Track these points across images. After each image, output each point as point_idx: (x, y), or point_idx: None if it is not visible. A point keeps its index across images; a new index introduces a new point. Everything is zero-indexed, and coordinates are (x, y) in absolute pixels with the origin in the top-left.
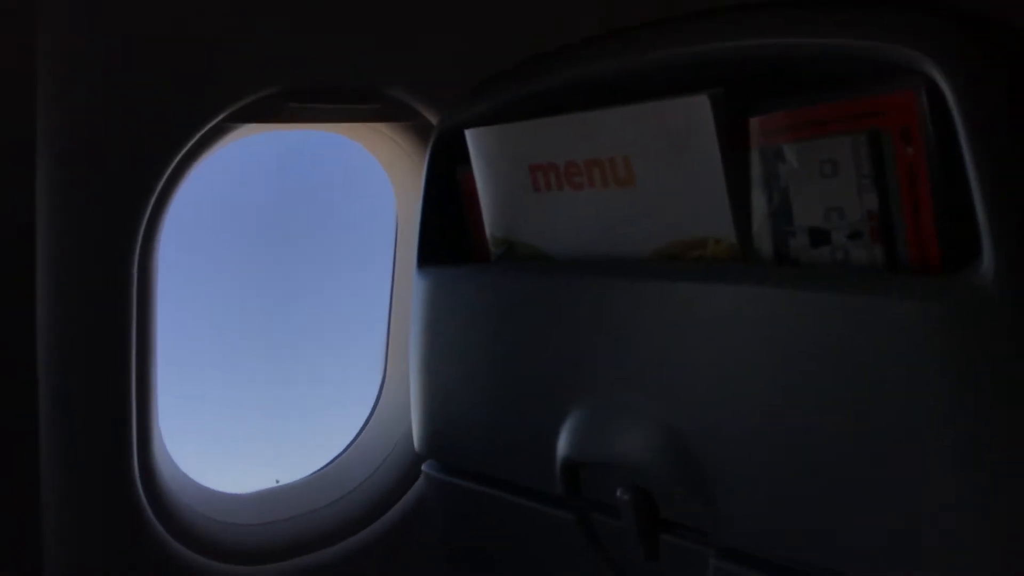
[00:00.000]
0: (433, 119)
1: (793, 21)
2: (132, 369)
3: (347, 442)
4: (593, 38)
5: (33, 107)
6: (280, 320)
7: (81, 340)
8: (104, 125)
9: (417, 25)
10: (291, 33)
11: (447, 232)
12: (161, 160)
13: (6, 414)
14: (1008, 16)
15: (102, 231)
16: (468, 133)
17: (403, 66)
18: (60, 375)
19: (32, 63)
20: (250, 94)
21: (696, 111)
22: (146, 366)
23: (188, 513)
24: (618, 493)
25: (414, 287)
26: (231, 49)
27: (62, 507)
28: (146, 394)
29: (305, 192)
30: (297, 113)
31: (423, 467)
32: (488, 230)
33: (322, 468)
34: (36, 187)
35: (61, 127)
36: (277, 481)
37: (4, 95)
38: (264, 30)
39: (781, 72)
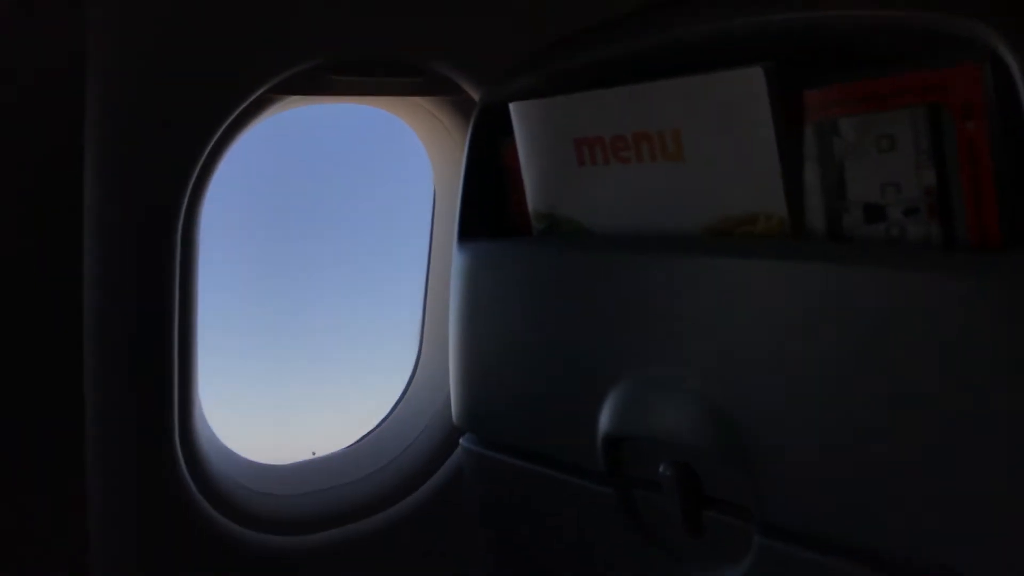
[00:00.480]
0: (475, 94)
1: None
2: (175, 342)
3: (384, 414)
4: (639, 8)
5: (82, 83)
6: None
7: (125, 312)
8: (150, 97)
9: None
10: (335, 5)
11: (487, 207)
12: (205, 131)
13: (51, 386)
14: None
15: (147, 203)
16: (512, 107)
17: (446, 40)
18: (104, 347)
19: (82, 38)
20: (293, 66)
21: (750, 84)
22: (188, 339)
23: (228, 483)
24: (661, 469)
25: (454, 261)
26: (274, 21)
27: (105, 478)
28: (188, 367)
29: (345, 166)
30: (340, 86)
31: (461, 440)
32: (531, 205)
33: (359, 440)
34: (84, 159)
35: (108, 100)
36: (313, 453)
37: (54, 73)
38: (308, 2)
39: (837, 45)
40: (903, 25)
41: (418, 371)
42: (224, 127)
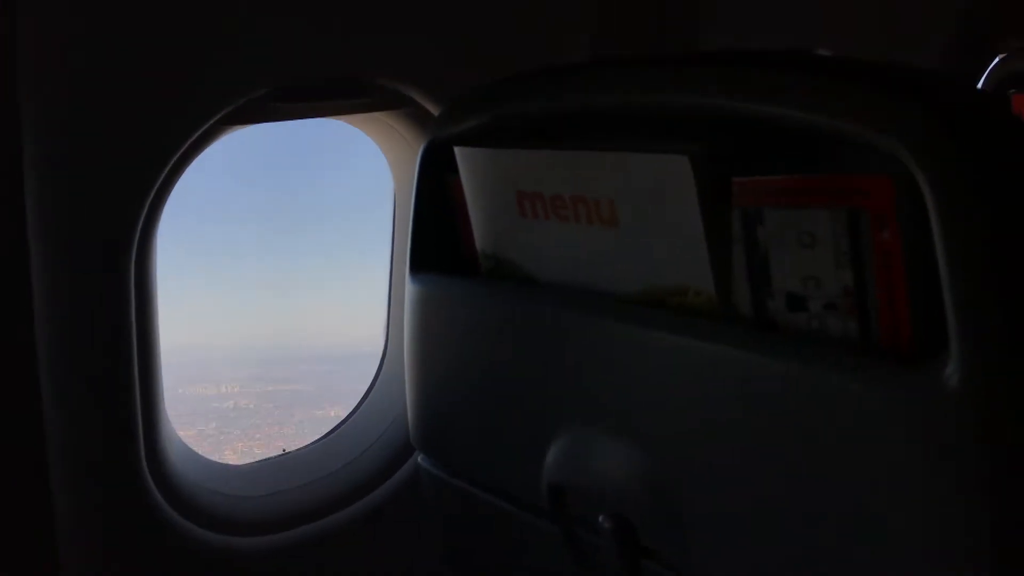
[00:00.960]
0: (428, 106)
1: (776, 88)
2: (134, 358)
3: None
4: (582, 66)
5: (17, 117)
6: None
7: (82, 334)
8: (93, 135)
9: (405, 14)
10: (278, 32)
11: (439, 237)
12: (153, 166)
13: (10, 399)
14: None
15: (97, 235)
16: (457, 152)
17: (395, 56)
18: (62, 366)
19: (13, 73)
20: (240, 97)
21: (676, 169)
22: (149, 354)
23: (191, 486)
24: (600, 519)
25: (407, 291)
26: (217, 53)
27: (68, 489)
28: (150, 377)
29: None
30: (289, 111)
31: (419, 459)
32: (478, 244)
33: (318, 440)
34: (26, 196)
35: (50, 138)
36: (284, 451)
37: None
38: (250, 31)
39: (770, 132)
40: (821, 129)
41: (381, 375)
42: (172, 161)
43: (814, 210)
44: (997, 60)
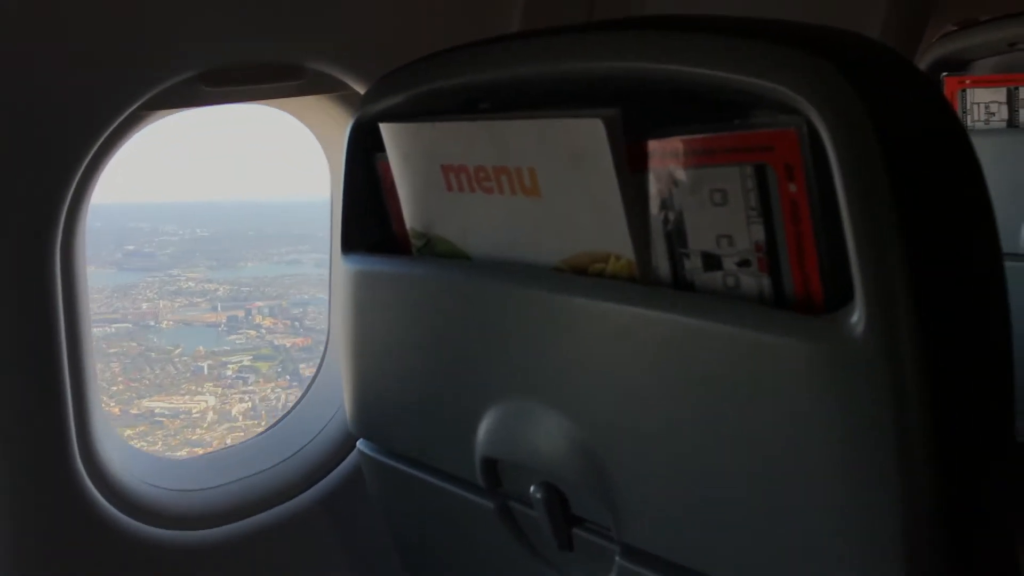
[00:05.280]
0: (360, 88)
1: (679, 48)
2: (63, 352)
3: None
4: (503, 38)
5: None
6: None
7: (5, 328)
8: (12, 120)
9: None
10: (203, 13)
11: (371, 217)
12: (75, 153)
13: None
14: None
15: (17, 226)
16: (383, 128)
17: (324, 39)
18: None
19: None
20: (164, 81)
21: (590, 132)
22: (78, 347)
23: (129, 481)
24: (531, 490)
25: (340, 272)
26: (142, 34)
27: None
28: (80, 369)
29: None
30: (217, 96)
31: (358, 444)
32: (407, 222)
33: (262, 433)
34: None
35: None
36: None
37: None
38: (172, 12)
39: (681, 92)
40: (724, 86)
41: (324, 365)
42: (95, 148)
43: (724, 168)
44: (933, 42)
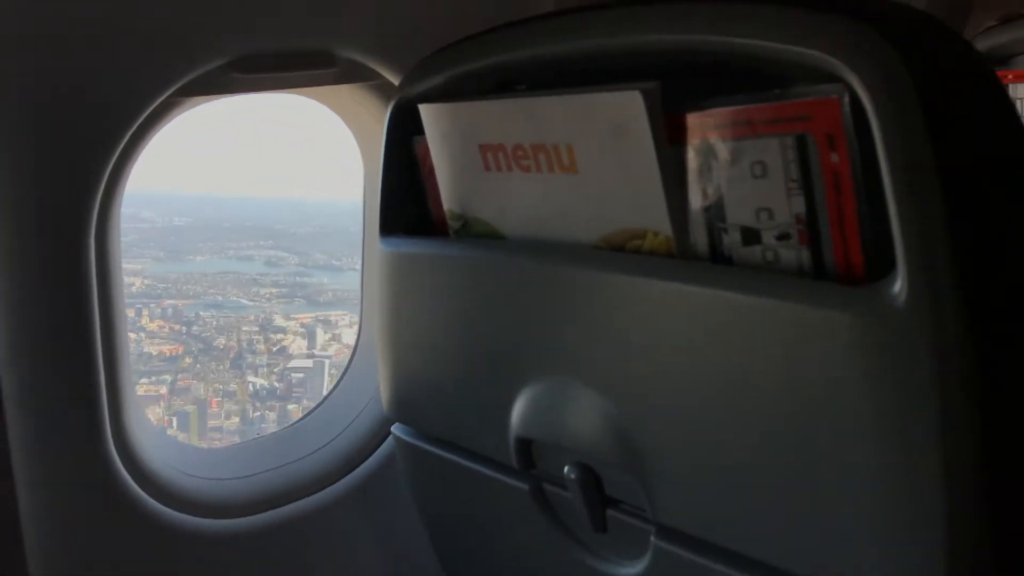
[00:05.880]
0: (394, 79)
1: (717, 18)
2: (97, 341)
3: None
4: (540, 17)
5: None
6: None
7: (42, 317)
8: (47, 110)
9: None
10: (236, 1)
11: (409, 201)
12: (109, 141)
13: None
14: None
15: (52, 215)
16: (422, 109)
17: (358, 26)
18: (20, 349)
19: None
20: (197, 68)
21: (629, 105)
22: (112, 332)
23: (164, 470)
24: (566, 470)
25: (378, 256)
26: (172, 22)
27: (33, 477)
28: (114, 358)
29: None
30: (250, 83)
31: (392, 428)
32: (445, 204)
33: (297, 422)
34: None
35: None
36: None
37: None
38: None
39: (720, 66)
40: (766, 56)
41: (357, 353)
42: (128, 135)
43: (764, 139)
44: (975, 36)
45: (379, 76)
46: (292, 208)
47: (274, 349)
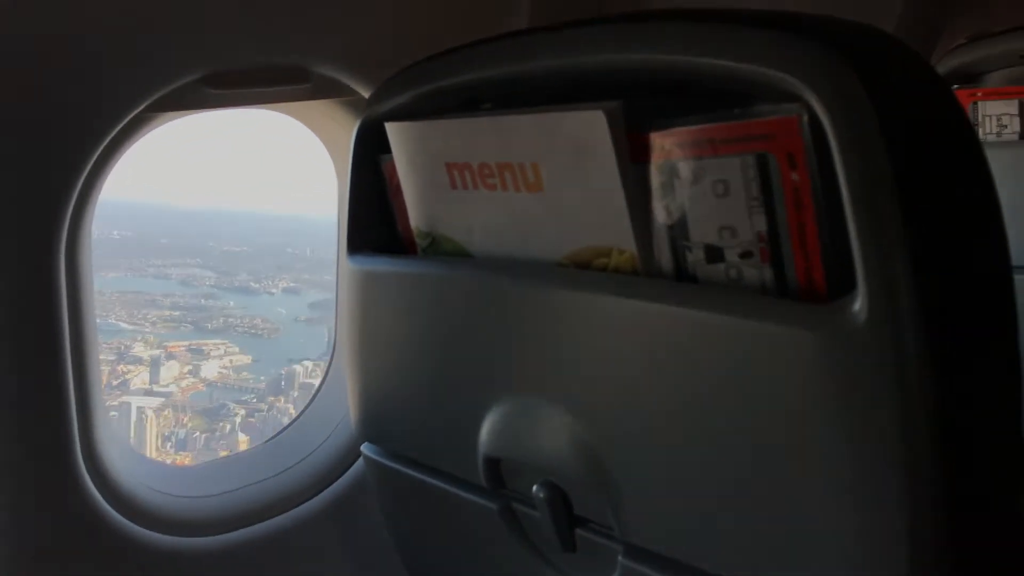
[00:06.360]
0: (365, 92)
1: (680, 38)
2: (67, 357)
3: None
4: (505, 35)
5: None
6: None
7: (11, 331)
8: (17, 122)
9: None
10: (207, 14)
11: (378, 219)
12: (80, 155)
13: None
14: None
15: (23, 228)
16: (388, 127)
17: (332, 42)
18: None
19: None
20: (170, 83)
21: (593, 124)
22: (82, 349)
23: (135, 487)
24: (534, 489)
25: (346, 273)
26: (145, 36)
27: (2, 495)
28: (84, 374)
29: None
30: (224, 99)
31: (362, 448)
32: (413, 222)
33: (270, 440)
34: None
35: None
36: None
37: None
38: (177, 13)
39: (685, 85)
40: (725, 75)
41: (330, 371)
42: (99, 151)
43: (726, 158)
44: (944, 54)
45: (353, 92)
46: (248, 222)
47: (115, 383)
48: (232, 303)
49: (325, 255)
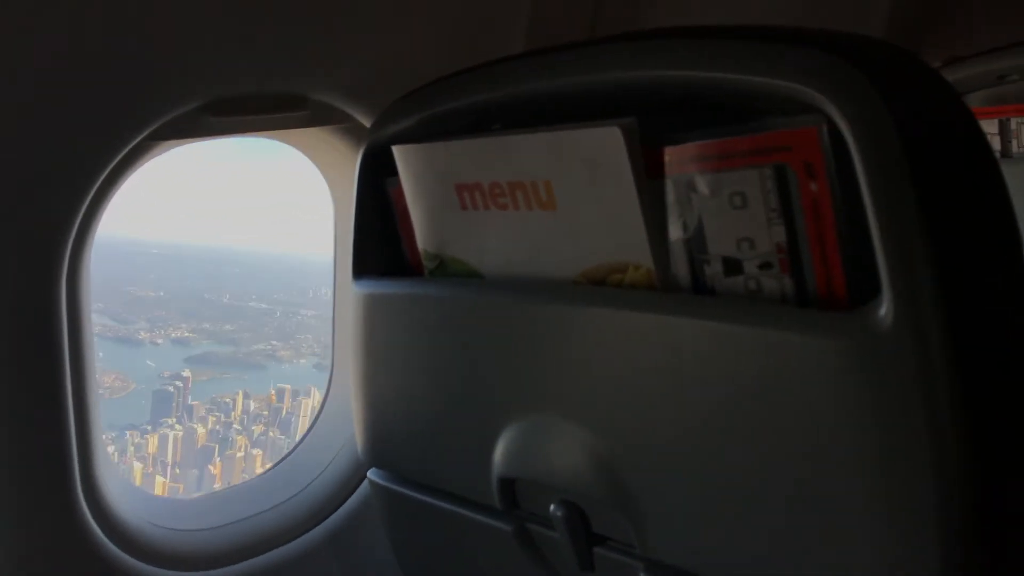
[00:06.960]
0: (365, 121)
1: (698, 53)
2: (67, 385)
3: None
4: (513, 57)
5: None
6: None
7: (11, 364)
8: (20, 150)
9: (340, 28)
10: (208, 43)
11: (382, 242)
12: (82, 183)
13: None
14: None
15: (25, 255)
16: (395, 150)
17: (329, 70)
18: None
19: None
20: (170, 111)
21: (608, 141)
22: (82, 382)
23: (134, 521)
24: (551, 509)
25: (353, 298)
26: (146, 66)
27: (2, 529)
28: (84, 410)
29: None
30: (223, 126)
31: (368, 473)
32: (420, 244)
33: (269, 470)
34: None
35: None
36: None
37: None
38: (179, 42)
39: (698, 100)
40: (745, 89)
41: (328, 399)
42: (101, 179)
43: (743, 171)
44: None
45: (350, 119)
46: (188, 261)
47: None
48: (101, 354)
49: (240, 302)
